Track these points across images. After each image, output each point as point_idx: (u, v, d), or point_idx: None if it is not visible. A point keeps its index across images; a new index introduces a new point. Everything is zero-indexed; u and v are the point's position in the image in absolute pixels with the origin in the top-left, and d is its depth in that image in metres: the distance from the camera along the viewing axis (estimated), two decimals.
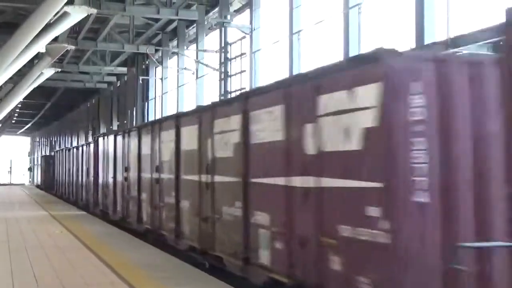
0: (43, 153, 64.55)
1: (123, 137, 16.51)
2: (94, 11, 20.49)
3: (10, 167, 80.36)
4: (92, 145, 22.20)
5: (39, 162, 60.89)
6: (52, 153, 53.48)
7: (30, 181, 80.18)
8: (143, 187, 14.11)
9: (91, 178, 21.89)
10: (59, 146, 63.04)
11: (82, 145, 26.32)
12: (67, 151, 31.83)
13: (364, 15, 14.12)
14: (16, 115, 55.47)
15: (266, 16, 19.60)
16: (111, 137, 18.21)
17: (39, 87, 31.87)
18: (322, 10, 16.12)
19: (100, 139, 20.30)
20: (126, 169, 15.71)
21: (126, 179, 15.76)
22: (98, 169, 20.10)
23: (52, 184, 39.48)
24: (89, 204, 22.63)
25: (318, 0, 16.56)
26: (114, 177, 17.38)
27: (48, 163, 43.58)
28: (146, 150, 13.95)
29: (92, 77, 37.38)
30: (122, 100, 36.62)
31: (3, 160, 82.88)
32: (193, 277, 8.47)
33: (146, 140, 13.94)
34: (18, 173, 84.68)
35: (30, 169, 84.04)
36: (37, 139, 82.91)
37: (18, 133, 78.63)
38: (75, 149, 28.35)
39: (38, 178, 60.71)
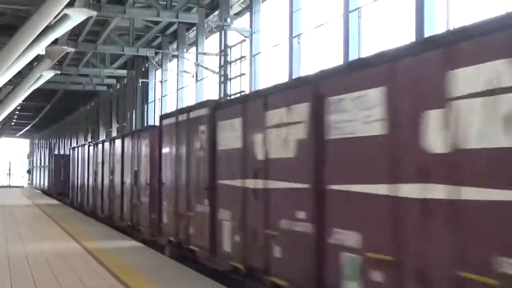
0: (52, 153, 58.25)
1: (244, 112, 8.47)
2: (94, 13, 20.49)
3: (9, 169, 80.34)
4: (147, 135, 14.76)
5: (46, 163, 55.77)
6: (64, 152, 49.89)
7: (29, 183, 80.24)
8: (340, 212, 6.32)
9: (144, 186, 14.75)
10: (58, 148, 63.07)
11: (123, 137, 17.94)
12: (92, 147, 23.23)
13: (364, 19, 14.12)
14: (15, 117, 55.48)
15: (266, 19, 19.61)
16: (201, 115, 10.24)
17: (38, 89, 31.84)
18: (322, 14, 16.12)
19: (169, 121, 12.15)
20: (256, 174, 8.00)
21: (255, 193, 8.00)
22: (162, 172, 12.49)
23: (64, 190, 32.86)
24: (138, 227, 15.11)
25: (318, 4, 16.56)
26: (213, 186, 9.56)
27: (59, 164, 37.93)
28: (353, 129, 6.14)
29: (92, 80, 37.40)
30: (121, 103, 36.62)
31: (2, 162, 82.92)
32: None
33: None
34: (17, 175, 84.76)
35: (29, 172, 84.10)
36: (36, 141, 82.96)
37: (17, 135, 78.69)
38: (107, 144, 20.27)
39: (41, 181, 59.45)
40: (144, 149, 14.95)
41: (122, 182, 17.19)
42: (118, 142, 18.12)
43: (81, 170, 25.60)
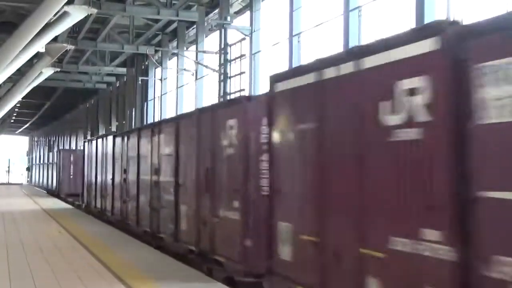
0: (61, 147, 51.89)
1: None
2: (94, 11, 20.49)
3: (8, 167, 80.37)
4: (236, 113, 9.45)
5: (50, 160, 51.49)
6: (76, 147, 45.70)
7: (28, 180, 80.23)
8: None
9: (227, 193, 9.58)
10: (58, 146, 62.99)
11: (179, 121, 12.69)
12: (120, 139, 17.83)
13: (364, 18, 14.11)
14: (15, 114, 55.45)
15: (266, 18, 19.60)
16: (408, 57, 5.00)
17: (38, 86, 31.86)
18: (323, 13, 16.11)
19: (296, 82, 6.94)
20: None
21: None
22: (274, 174, 7.43)
23: (75, 191, 28.02)
24: (215, 257, 9.81)
25: (318, 3, 16.55)
26: (460, 203, 4.40)
27: (68, 160, 33.68)
28: None
29: (92, 77, 37.39)
30: (121, 101, 36.59)
31: (1, 159, 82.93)
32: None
33: None
34: (16, 172, 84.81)
35: (28, 169, 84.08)
36: (36, 139, 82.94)
37: (16, 132, 78.69)
38: (146, 133, 14.80)
39: (41, 179, 58.50)
40: (228, 135, 9.57)
41: (177, 185, 12.06)
42: (168, 130, 12.92)
43: (101, 168, 20.36)
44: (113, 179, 18.45)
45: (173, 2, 23.28)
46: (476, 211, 4.28)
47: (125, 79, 35.44)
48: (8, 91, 29.27)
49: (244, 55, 19.33)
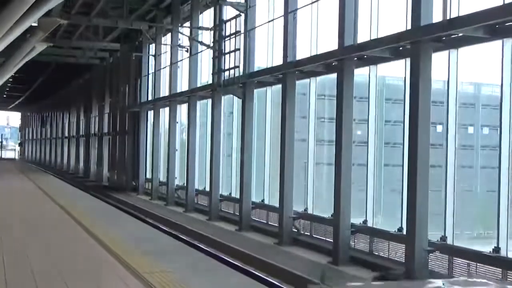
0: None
1: None
2: None
3: (1, 142, 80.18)
4: None
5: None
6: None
7: (20, 156, 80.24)
8: None
9: None
10: (51, 122, 62.83)
11: None
12: None
13: None
14: (7, 89, 55.09)
15: None
16: None
17: (31, 61, 31.59)
18: None
19: None
20: None
21: None
22: None
23: None
24: None
25: None
26: None
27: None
28: None
29: (85, 53, 37.10)
30: (114, 76, 36.39)
31: None
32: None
33: None
34: (9, 147, 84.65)
35: (20, 144, 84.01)
36: (28, 114, 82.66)
37: (9, 107, 78.37)
38: None
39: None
40: None
41: None
42: None
43: None
44: None
45: None
46: None
47: (118, 55, 35.22)
48: (1, 66, 29.04)
49: (239, 31, 19.20)
